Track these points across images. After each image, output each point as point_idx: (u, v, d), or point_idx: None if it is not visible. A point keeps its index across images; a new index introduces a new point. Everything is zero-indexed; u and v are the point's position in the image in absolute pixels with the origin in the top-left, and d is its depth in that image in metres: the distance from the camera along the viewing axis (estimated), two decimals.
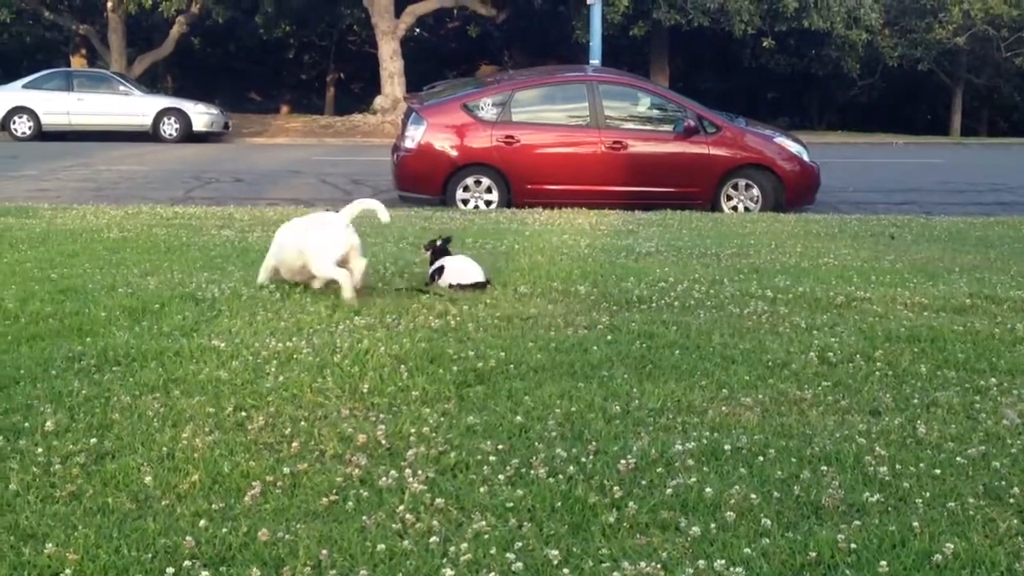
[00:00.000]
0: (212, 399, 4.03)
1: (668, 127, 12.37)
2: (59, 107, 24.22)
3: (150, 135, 24.16)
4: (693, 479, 3.30)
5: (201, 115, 24.77)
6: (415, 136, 11.98)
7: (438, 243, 6.48)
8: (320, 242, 5.78)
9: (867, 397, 4.23)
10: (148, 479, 3.26)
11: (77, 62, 33.91)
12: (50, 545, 2.81)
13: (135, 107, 24.55)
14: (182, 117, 24.45)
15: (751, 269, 7.09)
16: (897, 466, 3.46)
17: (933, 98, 37.41)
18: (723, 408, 4.05)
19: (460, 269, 6.25)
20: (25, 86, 24.80)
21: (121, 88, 25.09)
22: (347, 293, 5.70)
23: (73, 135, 23.88)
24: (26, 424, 3.72)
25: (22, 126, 24.08)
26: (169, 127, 24.35)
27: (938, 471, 3.43)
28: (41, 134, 23.98)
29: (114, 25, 30.58)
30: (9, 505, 3.09)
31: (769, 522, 3.03)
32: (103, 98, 24.53)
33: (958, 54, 32.83)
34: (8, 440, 3.56)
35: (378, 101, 28.70)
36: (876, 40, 30.77)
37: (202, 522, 2.97)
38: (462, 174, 11.92)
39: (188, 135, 24.28)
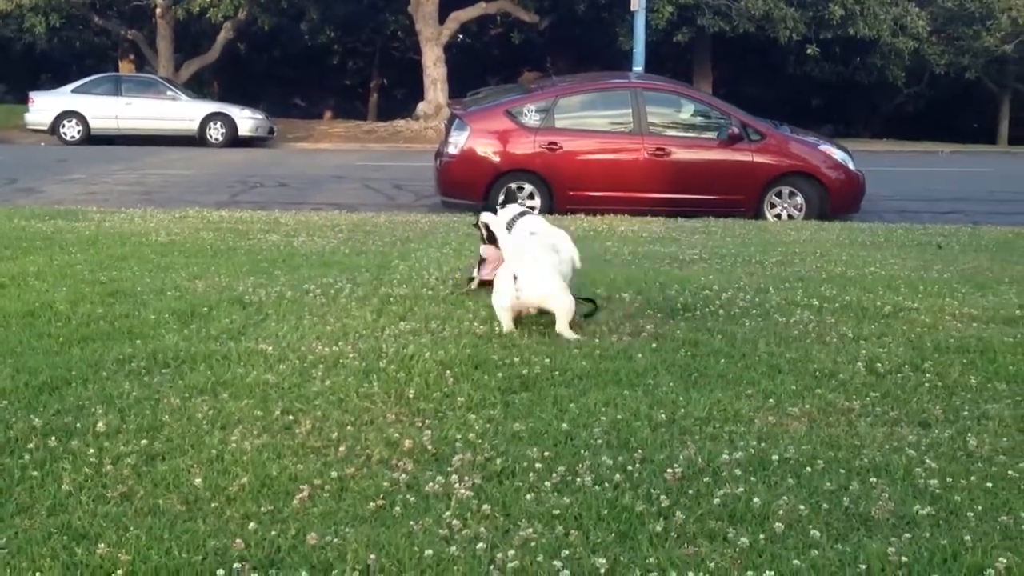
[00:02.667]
0: (260, 402, 4.07)
1: (711, 134, 12.31)
2: (107, 111, 24.56)
3: (196, 140, 24.44)
4: (741, 489, 3.28)
5: (246, 120, 25.02)
6: (458, 142, 12.02)
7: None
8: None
9: (916, 409, 4.18)
10: (198, 481, 3.29)
11: (125, 67, 34.40)
12: (102, 545, 2.84)
13: (182, 112, 24.84)
14: (228, 122, 24.70)
15: (796, 278, 7.03)
16: (948, 479, 3.42)
17: (980, 106, 36.91)
18: (770, 418, 4.02)
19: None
20: (74, 91, 25.17)
21: (168, 93, 25.41)
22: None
23: (121, 139, 24.22)
24: (78, 425, 3.77)
25: (71, 130, 24.44)
26: (215, 132, 24.61)
27: (990, 484, 3.38)
28: (90, 138, 24.33)
29: (162, 31, 30.98)
30: (62, 505, 3.13)
31: (818, 534, 3.00)
32: (151, 103, 24.84)
33: (1006, 62, 32.39)
34: (60, 441, 3.61)
35: (421, 107, 28.83)
36: (923, 48, 30.42)
37: (251, 524, 3.00)
38: (505, 180, 11.93)
39: (234, 140, 24.53)
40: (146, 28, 32.53)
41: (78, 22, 32.88)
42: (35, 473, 3.33)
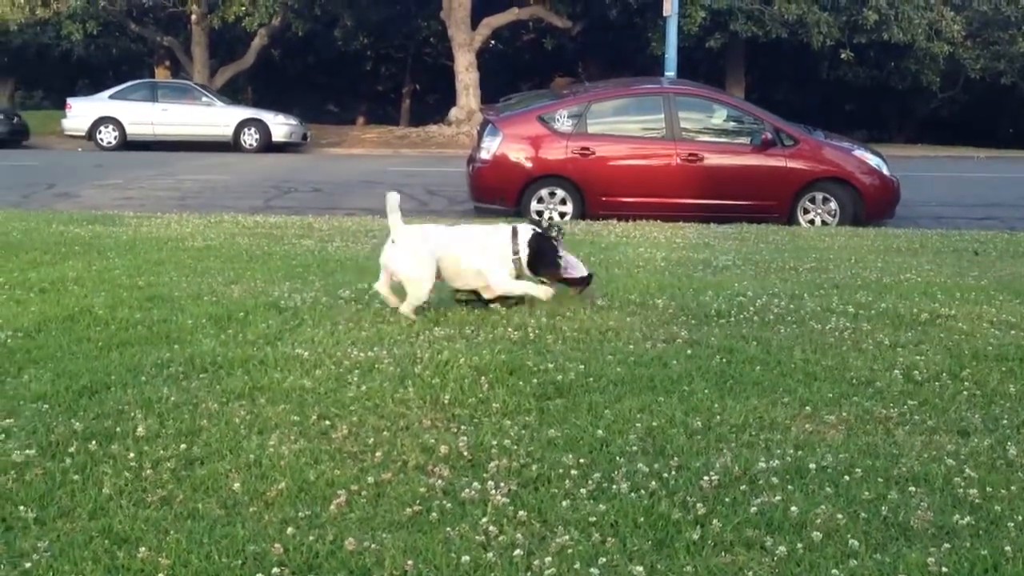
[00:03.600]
0: (296, 407, 4.09)
1: (744, 139, 12.26)
2: (144, 117, 24.83)
3: (231, 145, 24.65)
4: (778, 497, 3.26)
5: (280, 126, 25.20)
6: (491, 147, 12.05)
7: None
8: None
9: (955, 417, 4.14)
10: (236, 485, 3.32)
11: (161, 73, 34.75)
12: (143, 549, 2.88)
13: (216, 118, 25.08)
14: (262, 128, 24.89)
15: (831, 284, 6.98)
16: (988, 488, 3.38)
17: (1016, 111, 36.45)
18: (807, 425, 4.00)
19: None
20: (111, 96, 25.47)
21: (203, 99, 25.66)
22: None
23: (157, 145, 24.47)
24: (118, 429, 3.81)
25: (108, 136, 24.72)
26: (249, 137, 24.81)
27: None
28: (126, 144, 24.60)
29: (197, 38, 31.29)
30: (103, 509, 3.17)
31: (857, 543, 2.98)
32: (186, 109, 25.11)
33: None
34: (101, 445, 3.65)
35: (453, 112, 28.91)
36: (958, 52, 30.11)
37: (289, 529, 3.02)
38: (537, 185, 11.95)
39: (268, 145, 24.72)
40: (182, 35, 32.88)
41: (115, 29, 33.28)
42: (76, 477, 3.37)
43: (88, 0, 28.05)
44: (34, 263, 7.21)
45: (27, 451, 3.55)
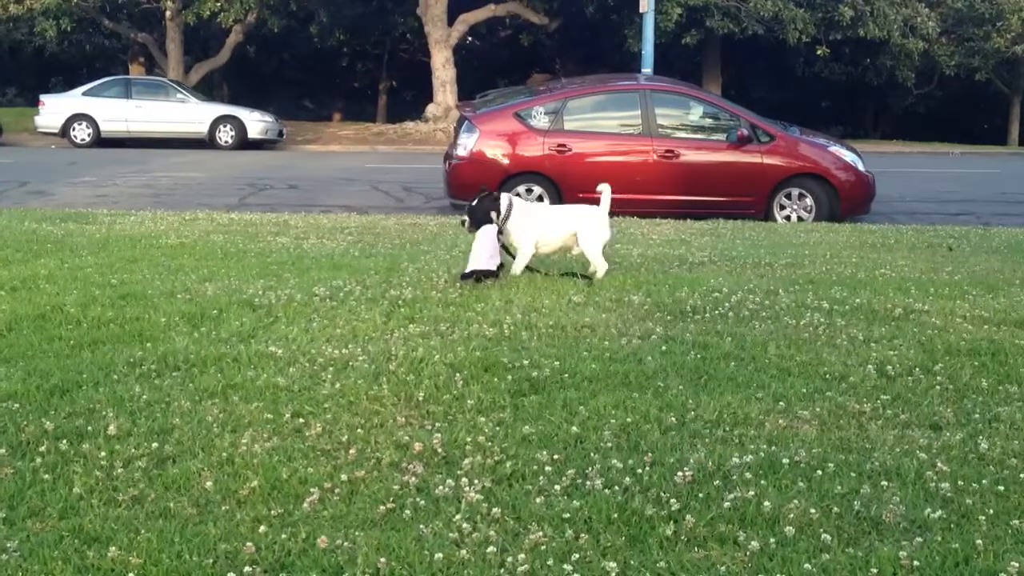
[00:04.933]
0: (270, 405, 4.07)
1: (721, 136, 12.30)
2: (118, 114, 24.64)
3: (206, 142, 24.51)
4: (751, 492, 3.27)
5: (256, 123, 25.08)
6: (467, 144, 12.03)
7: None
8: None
9: (927, 411, 4.17)
10: (209, 484, 3.30)
11: (135, 70, 34.49)
12: (113, 548, 2.85)
13: (192, 114, 24.92)
14: (238, 124, 24.76)
15: (806, 280, 7.01)
16: (959, 482, 3.41)
17: (991, 107, 36.78)
18: (780, 421, 4.01)
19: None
20: (85, 93, 25.25)
21: (178, 96, 25.48)
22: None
23: (131, 142, 24.29)
24: (89, 428, 3.78)
25: (81, 133, 24.52)
26: (225, 135, 24.67)
27: (1002, 488, 3.37)
28: (100, 141, 24.41)
29: (172, 34, 31.06)
30: (73, 508, 3.14)
31: (829, 537, 3.00)
32: (160, 105, 24.93)
33: (1016, 63, 32.23)
34: (72, 444, 3.62)
35: (430, 109, 28.86)
36: (933, 49, 30.35)
37: (262, 528, 3.00)
38: (514, 182, 11.91)
39: (243, 142, 24.60)
40: (156, 31, 32.63)
41: (88, 25, 32.96)
42: (47, 476, 3.34)
43: None
44: (5, 261, 7.14)
45: None
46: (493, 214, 6.78)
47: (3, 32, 32.26)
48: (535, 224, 6.94)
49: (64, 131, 24.55)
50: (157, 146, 23.62)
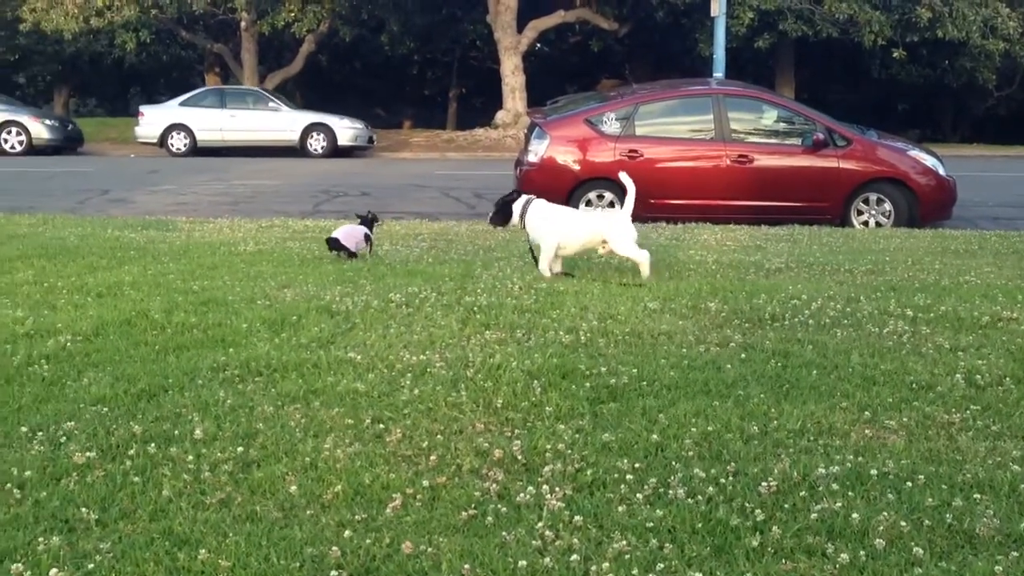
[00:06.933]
0: (350, 411, 4.11)
1: (795, 140, 12.13)
2: (213, 124, 25.06)
3: (298, 150, 24.79)
4: (838, 504, 3.21)
5: (346, 130, 25.31)
6: (538, 150, 12.03)
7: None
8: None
9: (1019, 422, 4.05)
10: (293, 488, 3.34)
11: (211, 80, 35.21)
12: (203, 551, 2.90)
13: (283, 123, 25.23)
14: (328, 132, 25.00)
15: (888, 287, 6.87)
16: None
17: None
18: (866, 431, 3.93)
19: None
20: (182, 104, 25.77)
21: (271, 104, 25.78)
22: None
23: (226, 151, 24.69)
24: (176, 432, 3.85)
25: (179, 142, 24.99)
26: (316, 142, 24.94)
27: None
28: (196, 150, 24.84)
29: (247, 44, 31.65)
30: (163, 511, 3.20)
31: (921, 551, 2.93)
32: (253, 114, 25.31)
33: None
34: (160, 447, 3.69)
35: (500, 116, 28.96)
36: (1014, 49, 29.54)
37: (347, 532, 3.03)
38: (585, 188, 11.90)
39: (334, 150, 24.82)
40: (231, 42, 33.27)
41: (166, 37, 33.76)
42: (136, 479, 3.41)
43: (141, 9, 28.45)
44: (91, 268, 7.32)
45: (88, 453, 3.60)
46: (515, 211, 7.33)
47: (84, 44, 33.15)
48: (554, 225, 7.21)
49: (162, 141, 25.07)
50: (251, 154, 23.92)
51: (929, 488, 3.37)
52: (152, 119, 25.46)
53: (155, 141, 25.15)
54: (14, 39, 33.17)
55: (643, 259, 7.16)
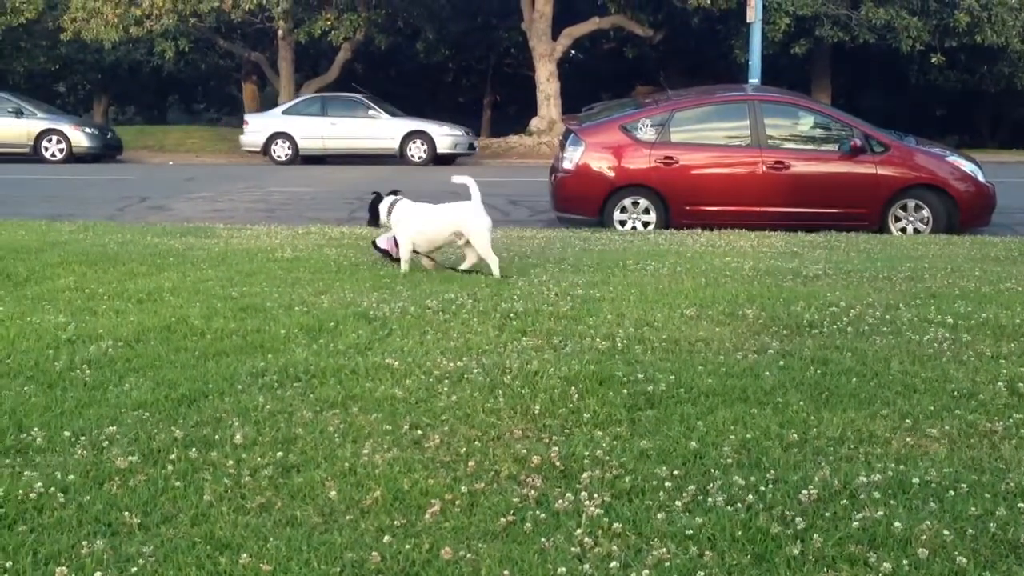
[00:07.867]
0: (389, 416, 4.12)
1: (832, 146, 12.05)
2: (314, 132, 25.11)
3: (397, 157, 24.82)
4: (880, 512, 3.18)
5: (445, 137, 25.19)
6: (573, 157, 12.04)
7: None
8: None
9: None
10: (333, 493, 3.36)
11: (248, 88, 35.55)
12: (244, 555, 2.92)
13: (383, 130, 25.16)
14: (427, 139, 24.93)
15: (928, 294, 6.81)
16: None
17: None
18: (908, 439, 3.89)
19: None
20: (284, 112, 25.93)
21: (370, 112, 25.66)
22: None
23: (329, 159, 24.84)
24: (216, 437, 3.88)
25: (282, 151, 25.11)
26: (417, 150, 24.86)
27: None
28: (298, 158, 24.97)
29: (284, 53, 31.88)
30: (204, 515, 3.23)
31: (965, 560, 2.89)
32: (354, 122, 25.26)
33: None
34: (200, 452, 3.72)
35: (534, 123, 28.98)
36: None
37: (386, 538, 3.04)
38: (620, 195, 11.90)
39: (434, 157, 24.73)
40: (268, 50, 33.54)
41: (204, 45, 34.09)
42: (178, 483, 3.44)
43: (180, 18, 28.78)
44: (131, 274, 7.40)
45: (130, 458, 3.63)
46: (382, 211, 7.83)
47: (123, 53, 33.57)
48: (411, 220, 7.64)
49: (266, 149, 25.18)
50: (352, 162, 23.98)
51: (972, 497, 3.33)
52: (256, 127, 25.52)
53: (259, 149, 25.25)
54: (55, 48, 33.65)
55: (494, 262, 7.50)
